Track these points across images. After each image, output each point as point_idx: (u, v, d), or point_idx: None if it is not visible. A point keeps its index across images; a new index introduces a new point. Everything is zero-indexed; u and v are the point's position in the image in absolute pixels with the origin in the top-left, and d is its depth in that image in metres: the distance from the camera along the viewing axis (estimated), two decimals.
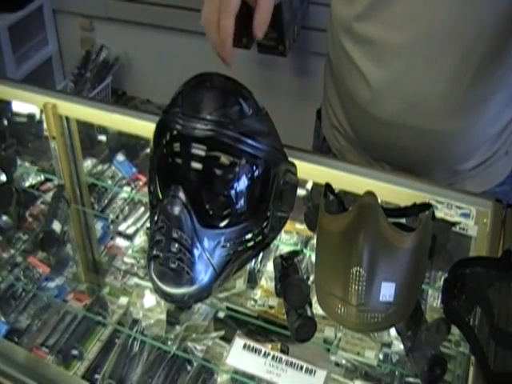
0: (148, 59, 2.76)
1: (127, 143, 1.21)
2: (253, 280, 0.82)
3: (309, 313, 0.70)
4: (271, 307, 0.77)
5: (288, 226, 0.92)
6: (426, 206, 0.81)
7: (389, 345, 0.73)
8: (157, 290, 0.70)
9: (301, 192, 0.97)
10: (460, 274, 0.73)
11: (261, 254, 0.85)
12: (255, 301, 0.79)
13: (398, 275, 0.68)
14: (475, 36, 0.93)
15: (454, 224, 0.90)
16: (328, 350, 0.75)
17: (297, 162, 0.89)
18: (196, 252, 0.70)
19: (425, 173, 1.06)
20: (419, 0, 0.91)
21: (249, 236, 0.75)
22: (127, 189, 1.06)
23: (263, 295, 0.79)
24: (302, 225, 0.82)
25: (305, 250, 0.82)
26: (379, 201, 0.93)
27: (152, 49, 2.70)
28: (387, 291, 0.66)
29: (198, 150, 0.75)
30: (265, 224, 0.78)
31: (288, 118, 2.32)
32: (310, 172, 0.97)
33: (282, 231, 0.90)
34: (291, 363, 0.65)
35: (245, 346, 0.67)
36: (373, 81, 1.00)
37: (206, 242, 0.71)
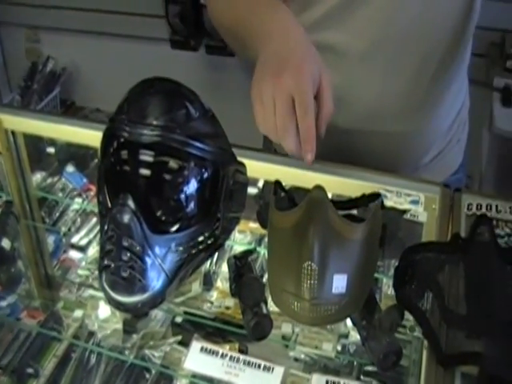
0: (96, 67, 2.72)
1: (76, 154, 1.20)
2: (208, 282, 0.82)
3: (264, 310, 0.70)
4: (228, 308, 0.77)
5: (242, 225, 0.93)
6: (375, 196, 0.82)
7: (346, 336, 0.74)
8: (109, 300, 0.69)
9: (253, 191, 0.97)
10: (410, 260, 0.74)
11: (215, 256, 0.85)
12: (212, 303, 0.79)
13: (349, 267, 0.68)
14: (434, 37, 0.96)
15: (404, 212, 0.92)
16: (286, 346, 0.75)
17: (247, 161, 0.89)
18: (147, 259, 0.70)
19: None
20: (378, 4, 0.92)
21: (200, 239, 0.75)
22: (79, 200, 1.05)
23: (219, 296, 0.79)
24: (255, 223, 0.83)
25: (259, 249, 0.82)
26: (330, 194, 0.94)
27: (99, 56, 2.67)
28: (339, 283, 0.67)
29: (146, 157, 0.74)
30: (216, 225, 0.78)
31: (240, 118, 2.32)
32: (261, 170, 0.98)
33: (236, 231, 0.91)
34: (249, 362, 0.65)
35: (202, 349, 0.66)
36: (334, 88, 0.98)
37: (157, 249, 0.71)
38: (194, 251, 0.74)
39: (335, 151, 0.99)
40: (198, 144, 0.75)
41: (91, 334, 0.76)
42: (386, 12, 0.93)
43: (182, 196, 0.76)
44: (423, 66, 0.98)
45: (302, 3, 0.97)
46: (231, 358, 0.65)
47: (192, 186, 0.76)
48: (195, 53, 2.23)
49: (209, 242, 0.77)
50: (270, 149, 1.25)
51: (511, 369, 0.64)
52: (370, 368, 0.71)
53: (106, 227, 0.71)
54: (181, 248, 0.73)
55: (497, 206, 0.91)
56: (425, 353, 0.66)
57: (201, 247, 0.75)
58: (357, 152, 1.05)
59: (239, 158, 0.86)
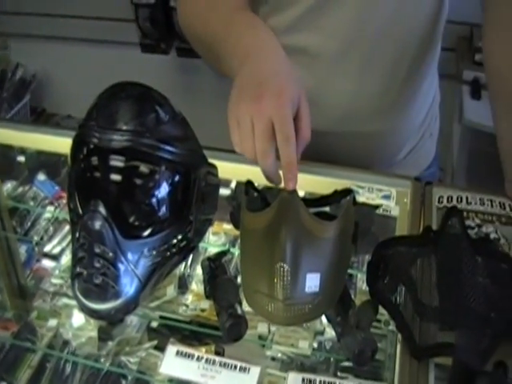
0: (66, 73, 2.70)
1: (47, 161, 1.19)
2: (183, 285, 0.82)
3: (239, 311, 0.70)
4: (203, 310, 0.77)
5: (216, 227, 0.93)
6: (347, 192, 0.82)
7: (322, 333, 0.74)
8: (83, 308, 0.69)
9: (226, 192, 0.97)
10: (382, 255, 0.75)
11: (190, 258, 0.85)
12: (187, 306, 0.79)
13: (322, 265, 0.68)
14: (407, 36, 0.97)
15: (376, 207, 0.93)
16: (263, 346, 0.76)
17: (219, 163, 0.89)
18: (120, 265, 0.70)
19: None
20: (352, 5, 0.92)
21: (173, 242, 0.75)
22: (51, 208, 1.04)
23: (194, 299, 0.79)
24: (229, 225, 0.83)
25: (233, 250, 0.83)
26: (303, 193, 0.94)
27: (70, 62, 2.65)
28: (312, 282, 0.67)
29: (117, 162, 0.75)
30: (188, 228, 0.78)
31: (213, 120, 2.32)
32: (234, 171, 0.98)
33: (210, 233, 0.91)
34: (225, 364, 0.65)
35: (178, 353, 0.66)
36: (308, 91, 0.97)
37: (129, 254, 0.71)
38: (166, 255, 0.74)
39: (311, 153, 0.99)
40: (168, 147, 0.75)
41: (66, 342, 0.75)
42: (360, 12, 0.93)
43: (154, 200, 0.76)
44: (397, 64, 0.99)
45: (274, 6, 0.97)
46: (207, 360, 0.65)
47: (163, 190, 0.76)
48: (166, 56, 2.23)
49: (181, 245, 0.77)
50: None
51: (483, 358, 0.65)
52: (346, 364, 0.72)
53: (77, 234, 0.71)
54: (153, 252, 0.73)
55: (467, 198, 0.92)
56: (399, 346, 0.67)
57: (174, 250, 0.75)
58: (332, 153, 1.05)
59: (211, 160, 0.86)
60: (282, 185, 0.73)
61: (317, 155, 0.99)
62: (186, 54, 2.15)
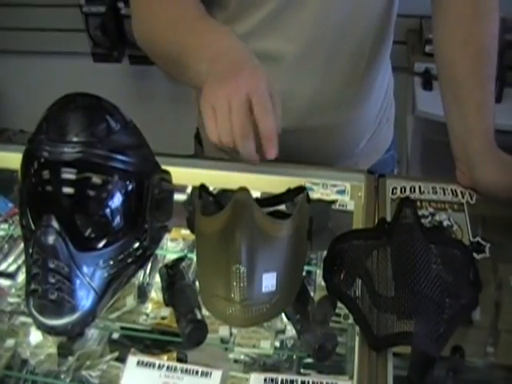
0: (18, 87, 2.65)
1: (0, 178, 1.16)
2: (143, 294, 0.81)
3: (199, 316, 0.70)
4: (164, 318, 0.76)
5: (174, 233, 0.92)
6: (300, 190, 0.83)
7: (283, 331, 0.75)
8: (39, 325, 0.68)
9: (182, 197, 0.97)
10: (338, 250, 0.76)
11: (148, 267, 0.85)
12: (147, 315, 0.78)
13: (278, 264, 0.69)
14: (363, 34, 0.99)
15: (332, 202, 0.93)
16: (226, 349, 0.76)
17: (174, 169, 0.89)
18: (75, 279, 0.69)
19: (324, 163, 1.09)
20: (310, 8, 0.93)
21: (128, 252, 0.75)
22: (5, 226, 1.02)
23: (155, 307, 0.79)
24: (187, 230, 0.82)
25: (191, 255, 0.82)
26: (258, 193, 0.95)
27: (21, 76, 2.60)
28: (269, 282, 0.67)
29: (68, 175, 0.74)
30: (144, 237, 0.78)
31: (170, 125, 2.32)
32: (189, 176, 0.98)
33: (168, 239, 0.90)
34: (186, 370, 0.65)
35: (138, 363, 0.66)
36: None
37: (84, 267, 0.70)
38: (123, 265, 0.74)
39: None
40: (120, 157, 0.75)
41: (24, 361, 0.74)
42: (318, 15, 0.94)
43: (108, 211, 0.75)
44: (356, 60, 1.02)
45: (234, 13, 0.97)
46: (168, 367, 0.65)
47: (117, 200, 0.76)
48: (119, 64, 2.21)
49: (137, 253, 0.76)
50: (200, 143, 1.25)
51: (440, 344, 0.66)
52: (309, 360, 0.72)
53: (30, 250, 0.70)
54: (109, 263, 0.72)
55: (420, 188, 0.94)
56: (357, 339, 0.67)
57: (130, 260, 0.75)
58: (296, 149, 1.06)
59: (166, 166, 0.86)
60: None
61: (281, 153, 1.00)
62: (138, 61, 2.14)
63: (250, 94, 0.71)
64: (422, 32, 2.08)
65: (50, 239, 0.69)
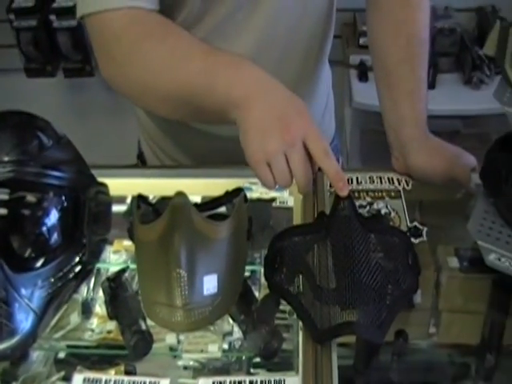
0: None
1: None
2: (87, 310, 0.80)
3: (143, 327, 0.70)
4: (110, 332, 0.76)
5: (116, 245, 0.91)
6: (238, 191, 0.83)
7: (230, 333, 0.75)
8: None
9: (123, 208, 0.96)
10: (278, 248, 0.76)
11: (92, 282, 0.84)
12: (93, 330, 0.77)
13: (218, 265, 0.69)
14: (312, 33, 1.00)
15: (271, 200, 0.94)
16: (174, 357, 0.75)
17: (112, 180, 0.88)
18: (13, 302, 0.68)
19: None
20: (260, 14, 0.92)
21: (67, 269, 0.74)
22: None
23: (100, 322, 0.78)
24: (129, 241, 0.82)
25: (133, 266, 0.81)
26: (200, 198, 0.95)
27: None
28: (210, 284, 0.67)
29: (1, 195, 0.72)
30: (83, 252, 0.77)
31: (110, 136, 2.29)
32: (129, 186, 0.97)
33: (110, 252, 0.89)
34: (134, 382, 0.65)
35: (85, 380, 0.65)
36: None
37: (22, 289, 0.69)
38: (62, 282, 0.73)
39: (220, 158, 0.99)
40: (54, 173, 0.74)
41: None
42: (270, 19, 0.94)
43: (44, 229, 0.74)
44: (306, 58, 1.03)
45: (184, 23, 0.95)
46: (115, 382, 0.65)
47: (53, 217, 0.75)
48: (53, 78, 2.17)
49: (77, 269, 0.75)
50: (144, 163, 1.24)
51: (383, 330, 0.67)
52: (258, 359, 0.72)
53: None
54: (48, 282, 0.71)
55: (357, 178, 0.96)
56: (301, 333, 0.68)
57: (69, 277, 0.74)
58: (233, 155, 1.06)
59: (104, 179, 0.85)
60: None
61: (226, 158, 1.00)
62: (73, 74, 2.10)
63: (306, 139, 0.72)
64: (356, 25, 2.12)
65: None
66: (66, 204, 0.76)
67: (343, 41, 2.15)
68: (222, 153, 0.99)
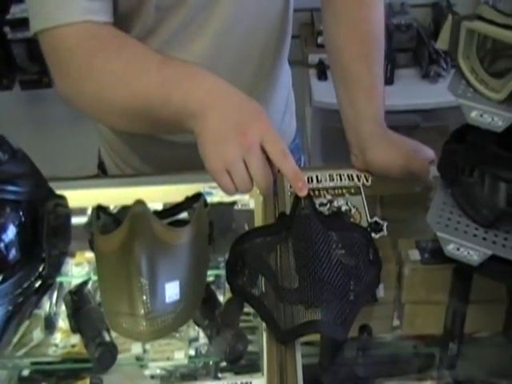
0: None
1: None
2: (50, 325, 0.79)
3: (107, 338, 0.69)
4: (74, 346, 0.74)
5: (78, 257, 0.90)
6: (198, 196, 0.83)
7: (196, 339, 0.75)
8: None
9: (83, 220, 0.95)
10: (239, 251, 0.76)
11: (54, 296, 0.83)
12: (57, 345, 0.76)
13: (180, 272, 0.69)
14: (268, 36, 1.00)
15: (233, 203, 0.94)
16: (141, 366, 0.75)
17: (72, 192, 0.87)
18: None
19: None
20: (213, 18, 0.92)
21: (26, 285, 0.73)
22: None
23: (63, 337, 0.77)
24: (91, 253, 0.81)
25: (96, 277, 0.80)
26: (161, 205, 0.94)
27: None
28: (172, 291, 0.67)
29: None
30: (42, 266, 0.75)
31: (69, 147, 2.26)
32: (89, 197, 0.96)
33: (73, 265, 0.88)
34: None
35: None
36: None
37: None
38: (22, 299, 0.72)
39: (181, 164, 0.99)
40: (10, 187, 0.73)
41: None
42: (223, 28, 0.93)
43: (1, 245, 0.73)
44: (262, 61, 1.02)
45: (140, 33, 0.94)
46: None
47: (11, 233, 0.74)
48: (10, 91, 2.13)
49: (37, 285, 0.74)
50: (104, 172, 1.22)
51: (345, 327, 0.68)
52: (225, 363, 0.72)
53: None
54: (7, 299, 0.70)
55: (317, 177, 0.96)
56: (265, 334, 0.68)
57: (29, 292, 0.73)
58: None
59: (63, 191, 0.84)
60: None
61: (188, 165, 0.99)
62: (29, 86, 2.07)
63: (263, 142, 0.72)
64: (313, 24, 2.13)
65: None
66: (23, 219, 0.75)
67: (301, 40, 2.17)
68: (183, 158, 0.98)
